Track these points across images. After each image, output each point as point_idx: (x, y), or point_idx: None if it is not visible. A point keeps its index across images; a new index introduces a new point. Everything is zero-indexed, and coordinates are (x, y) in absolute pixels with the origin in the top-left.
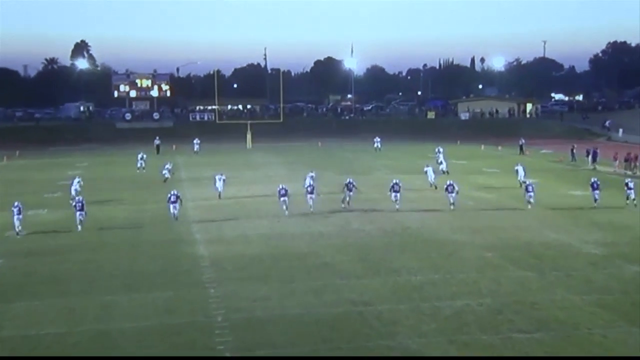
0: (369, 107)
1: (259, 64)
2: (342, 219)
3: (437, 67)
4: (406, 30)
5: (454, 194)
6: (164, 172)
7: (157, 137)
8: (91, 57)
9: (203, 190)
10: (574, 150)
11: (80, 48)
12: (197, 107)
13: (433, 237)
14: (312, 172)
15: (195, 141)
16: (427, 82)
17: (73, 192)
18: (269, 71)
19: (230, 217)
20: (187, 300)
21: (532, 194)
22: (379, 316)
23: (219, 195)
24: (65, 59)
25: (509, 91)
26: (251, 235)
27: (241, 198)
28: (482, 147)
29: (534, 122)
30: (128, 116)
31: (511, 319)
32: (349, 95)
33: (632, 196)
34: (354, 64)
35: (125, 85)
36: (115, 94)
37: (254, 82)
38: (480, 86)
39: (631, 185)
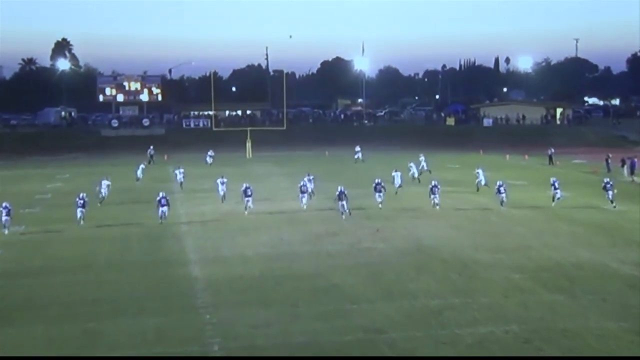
0: (382, 113)
1: (259, 65)
2: (351, 237)
3: (458, 68)
4: (423, 27)
5: (437, 195)
6: (178, 177)
7: (151, 147)
8: (73, 57)
9: (198, 204)
10: (609, 160)
11: (62, 47)
12: (192, 113)
13: (453, 257)
14: (309, 175)
15: (209, 153)
16: (446, 84)
17: (102, 195)
18: (271, 73)
19: (228, 234)
20: (179, 327)
21: (504, 195)
22: (393, 345)
23: (222, 199)
24: (44, 59)
25: (537, 95)
26: (251, 254)
27: (240, 214)
28: (508, 157)
29: (564, 129)
30: (115, 123)
31: (540, 348)
32: (360, 100)
33: None
34: (365, 65)
35: (111, 88)
36: (101, 98)
37: (255, 85)
38: (505, 89)
39: None
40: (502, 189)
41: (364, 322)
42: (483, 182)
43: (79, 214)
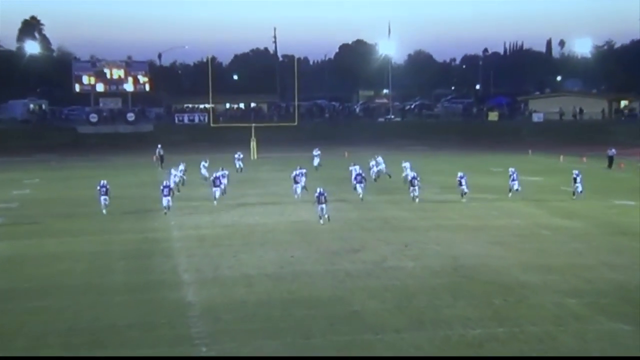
0: (412, 106)
1: (266, 50)
2: (375, 254)
3: (502, 53)
4: (461, 4)
5: (417, 188)
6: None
7: (159, 146)
8: (44, 39)
9: (192, 214)
10: None
11: (30, 27)
12: (185, 106)
13: (496, 278)
14: (300, 168)
15: (236, 156)
16: (488, 72)
17: (173, 184)
18: (280, 59)
19: (228, 250)
20: None
21: (416, 187)
22: None
23: (223, 191)
24: (9, 41)
25: (597, 85)
26: (255, 275)
27: (242, 225)
28: (562, 158)
29: (630, 126)
30: (93, 117)
31: None
32: (386, 91)
33: None
34: (392, 49)
35: (89, 76)
36: (77, 88)
37: (260, 73)
38: (559, 78)
39: None
40: (415, 181)
41: (389, 355)
42: (515, 187)
43: (102, 202)
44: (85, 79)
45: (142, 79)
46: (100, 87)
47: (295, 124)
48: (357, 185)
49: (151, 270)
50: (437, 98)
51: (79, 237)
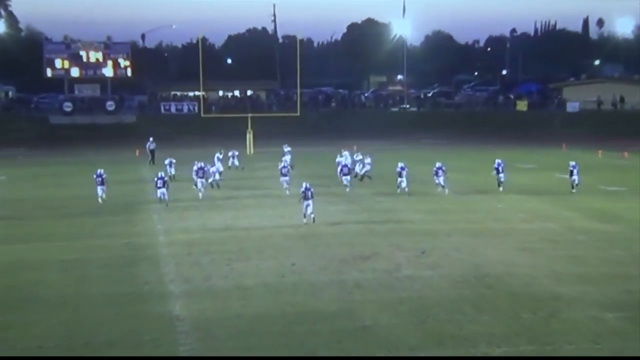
0: (430, 94)
1: (264, 30)
2: (387, 262)
3: (532, 34)
4: None
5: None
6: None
7: (151, 139)
8: (11, 17)
9: (181, 217)
10: None
11: None
12: (173, 94)
13: (525, 290)
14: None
15: (231, 153)
16: (516, 56)
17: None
18: (280, 40)
19: (222, 258)
20: None
21: (404, 179)
22: None
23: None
24: None
25: None
26: (252, 285)
27: (237, 229)
28: (600, 153)
29: None
30: (68, 106)
31: None
32: (399, 77)
33: None
34: (407, 30)
35: (62, 59)
36: (48, 72)
37: (258, 57)
38: (597, 62)
39: None
40: (402, 172)
41: None
42: (577, 182)
43: (99, 192)
44: (58, 63)
45: (123, 62)
46: (75, 72)
47: (298, 114)
48: (343, 177)
49: (134, 280)
50: (458, 85)
51: (51, 243)
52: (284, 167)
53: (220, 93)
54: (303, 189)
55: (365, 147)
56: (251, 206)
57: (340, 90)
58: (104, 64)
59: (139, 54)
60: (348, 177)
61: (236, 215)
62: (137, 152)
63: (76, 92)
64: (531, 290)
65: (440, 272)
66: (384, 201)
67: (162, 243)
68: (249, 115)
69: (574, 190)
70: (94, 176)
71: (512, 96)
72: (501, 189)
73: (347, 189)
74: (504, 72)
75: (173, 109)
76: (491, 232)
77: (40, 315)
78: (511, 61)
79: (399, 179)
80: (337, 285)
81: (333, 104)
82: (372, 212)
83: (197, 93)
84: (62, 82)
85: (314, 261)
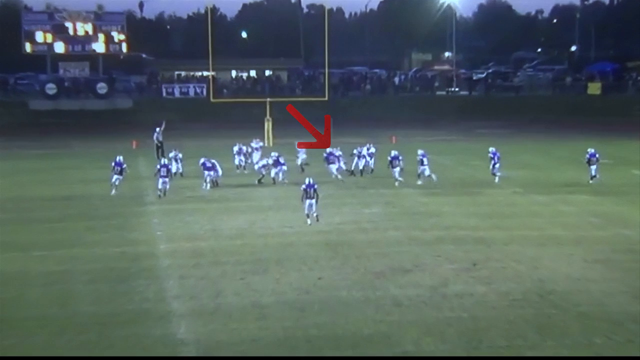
0: (484, 74)
1: None
2: (432, 276)
3: (607, 2)
4: None
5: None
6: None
7: (158, 130)
8: None
9: (185, 221)
10: None
11: None
12: (177, 74)
13: (597, 309)
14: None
15: (236, 149)
16: (588, 29)
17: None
18: (305, 9)
19: (234, 270)
20: None
21: (397, 169)
22: None
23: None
24: None
25: None
26: (270, 303)
27: (253, 236)
28: None
29: None
30: (51, 89)
31: None
32: (447, 54)
33: None
34: None
35: (45, 32)
36: (28, 47)
37: (278, 30)
38: None
39: None
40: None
41: None
42: None
43: (113, 181)
44: (40, 37)
45: (117, 36)
46: (59, 48)
47: (326, 98)
48: (331, 166)
49: (130, 297)
50: (518, 64)
51: (30, 252)
52: (265, 165)
53: (234, 73)
54: (305, 186)
55: (406, 138)
56: (269, 208)
57: (376, 71)
58: (94, 38)
59: (136, 26)
60: (332, 167)
61: (251, 219)
62: (134, 143)
63: (61, 71)
64: (604, 310)
65: (495, 288)
66: (429, 203)
67: (163, 252)
68: (268, 99)
69: (591, 182)
70: (112, 163)
71: (582, 77)
72: (496, 180)
73: (339, 177)
74: (573, 48)
75: (177, 92)
76: (557, 241)
77: (17, 340)
78: (582, 35)
79: (421, 167)
80: (372, 304)
81: (367, 87)
82: (414, 216)
83: (205, 73)
84: (44, 60)
85: (344, 275)
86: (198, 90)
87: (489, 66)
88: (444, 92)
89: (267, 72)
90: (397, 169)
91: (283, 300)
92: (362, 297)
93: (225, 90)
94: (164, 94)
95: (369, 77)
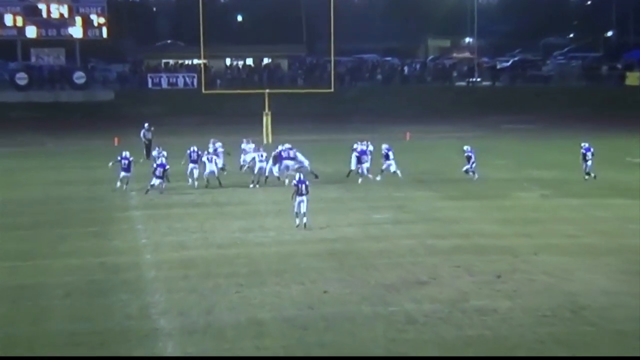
0: (509, 63)
1: None
2: (451, 289)
3: None
4: None
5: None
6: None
7: (146, 125)
8: None
9: (173, 228)
10: None
11: None
12: (164, 62)
13: (637, 327)
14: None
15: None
16: (625, 12)
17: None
18: None
19: (228, 282)
20: None
21: (391, 162)
22: None
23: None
24: None
25: None
26: (269, 319)
27: (249, 245)
28: None
29: None
30: (21, 79)
31: None
32: (468, 40)
33: None
34: None
35: (14, 15)
36: None
37: (278, 13)
38: None
39: None
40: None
41: None
42: None
43: (121, 176)
44: (8, 20)
45: (96, 20)
46: (31, 32)
47: (331, 90)
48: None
49: (111, 313)
50: (547, 51)
51: None
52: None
53: (228, 61)
54: (295, 182)
55: (421, 134)
56: (267, 214)
57: (389, 59)
58: (71, 22)
59: (117, 8)
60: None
61: (247, 225)
62: (116, 140)
63: (33, 59)
64: None
65: (522, 303)
66: (447, 207)
67: (148, 263)
68: (266, 91)
69: (586, 178)
70: (119, 158)
71: (619, 66)
72: (476, 176)
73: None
74: (609, 33)
75: (164, 83)
76: (591, 250)
77: None
78: (619, 19)
79: (386, 162)
80: (384, 320)
81: (379, 77)
82: (430, 223)
83: (196, 61)
84: (13, 46)
85: (352, 288)
86: (188, 81)
87: (514, 53)
88: (463, 83)
89: (266, 60)
90: (366, 165)
91: (283, 316)
92: (371, 313)
93: (218, 81)
94: (150, 84)
95: (380, 66)
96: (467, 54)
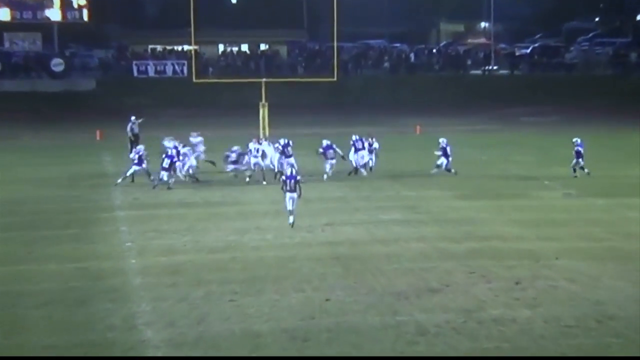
0: (529, 49)
1: None
2: (465, 297)
3: None
4: None
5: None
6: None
7: (133, 118)
8: None
9: (161, 230)
10: None
11: None
12: (150, 48)
13: None
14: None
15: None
16: None
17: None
18: None
19: (222, 290)
20: None
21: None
22: None
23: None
24: None
25: None
26: (266, 331)
27: (244, 249)
28: None
29: None
30: None
31: None
32: (484, 25)
33: None
34: None
35: None
36: None
37: None
38: None
39: None
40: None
41: None
42: None
43: (132, 169)
44: None
45: (76, 1)
46: (4, 15)
47: (334, 79)
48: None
49: (91, 324)
50: (571, 36)
51: None
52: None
53: (221, 47)
54: (285, 177)
55: (433, 127)
56: (264, 215)
57: (397, 45)
58: (48, 4)
59: None
60: (331, 163)
61: (242, 227)
62: (99, 134)
63: (6, 44)
64: None
65: (543, 313)
66: (461, 208)
67: (133, 269)
68: (263, 80)
69: (576, 175)
70: (131, 155)
71: None
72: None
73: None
74: (639, 17)
75: (151, 71)
76: (619, 255)
77: None
78: None
79: (442, 158)
80: (393, 331)
81: (386, 64)
82: (442, 224)
83: (186, 47)
84: None
85: (357, 296)
86: (177, 69)
87: (535, 39)
88: (479, 71)
89: (263, 46)
90: (331, 162)
91: (282, 327)
92: (379, 324)
93: (210, 69)
94: (135, 72)
95: (387, 52)
96: (482, 40)
